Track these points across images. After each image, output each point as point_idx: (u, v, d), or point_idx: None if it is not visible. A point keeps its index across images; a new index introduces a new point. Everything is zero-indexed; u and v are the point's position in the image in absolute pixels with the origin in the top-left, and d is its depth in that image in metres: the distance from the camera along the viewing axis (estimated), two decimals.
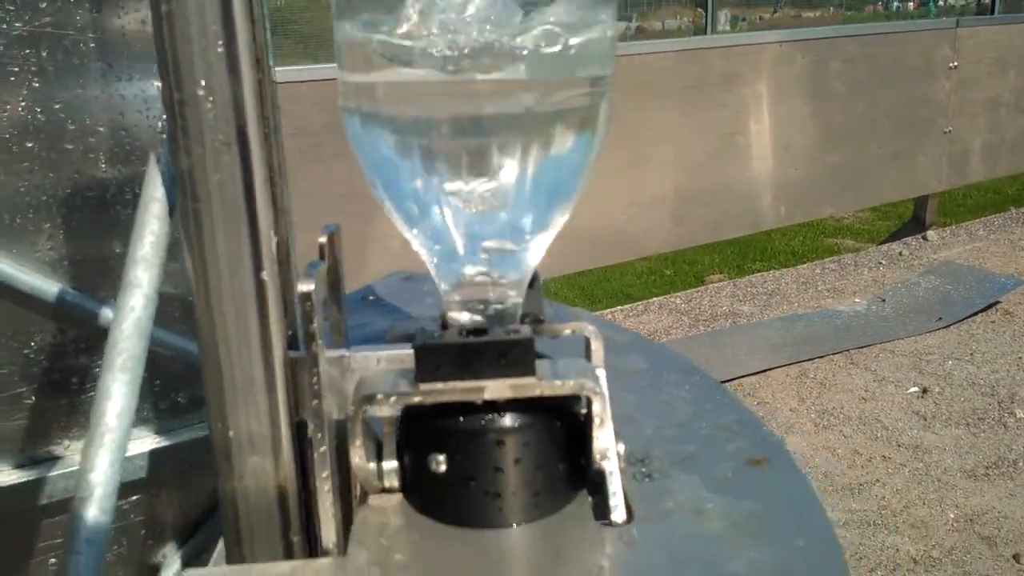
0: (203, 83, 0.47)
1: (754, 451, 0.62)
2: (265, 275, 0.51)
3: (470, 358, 0.51)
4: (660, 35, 12.73)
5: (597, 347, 0.60)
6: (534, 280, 0.62)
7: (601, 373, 0.60)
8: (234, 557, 0.56)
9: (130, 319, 0.51)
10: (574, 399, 0.55)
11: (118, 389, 0.50)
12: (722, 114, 4.15)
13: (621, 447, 0.58)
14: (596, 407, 0.53)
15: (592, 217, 3.83)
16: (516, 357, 0.52)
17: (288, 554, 0.56)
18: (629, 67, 3.89)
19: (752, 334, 4.08)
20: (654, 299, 4.58)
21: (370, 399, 0.52)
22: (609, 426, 0.55)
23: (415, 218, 0.55)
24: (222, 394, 0.53)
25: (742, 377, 3.74)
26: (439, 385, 0.52)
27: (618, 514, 0.56)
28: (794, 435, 3.35)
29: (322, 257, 0.57)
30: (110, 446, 0.51)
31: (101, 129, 0.77)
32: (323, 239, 0.57)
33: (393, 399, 0.52)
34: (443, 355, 0.51)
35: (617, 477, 0.57)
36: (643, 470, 0.61)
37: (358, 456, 0.53)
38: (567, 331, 0.61)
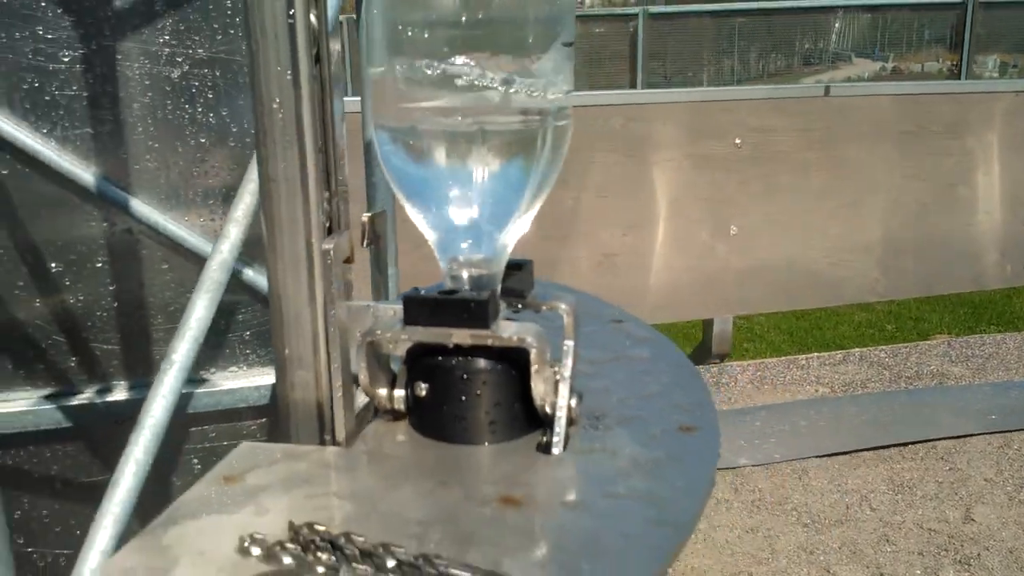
0: (276, 100, 0.70)
1: (690, 422, 0.75)
2: (313, 239, 0.73)
3: (441, 310, 0.70)
4: (918, 76, 12.08)
5: (568, 322, 0.77)
6: (525, 265, 0.79)
7: (569, 343, 0.76)
8: None
9: (218, 260, 0.75)
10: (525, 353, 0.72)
11: (201, 303, 0.74)
12: (944, 163, 3.98)
13: (575, 400, 0.74)
14: (533, 357, 0.70)
15: (793, 257, 3.83)
16: (476, 313, 0.70)
17: None
18: (847, 109, 3.86)
19: (957, 397, 3.87)
20: (855, 349, 4.44)
21: (370, 333, 0.72)
22: (549, 377, 0.72)
23: (427, 214, 0.74)
24: (282, 323, 0.75)
25: (937, 440, 3.57)
26: (419, 329, 0.71)
27: (556, 448, 0.72)
28: (984, 505, 3.16)
29: (362, 234, 0.78)
30: (188, 339, 0.74)
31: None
32: (365, 218, 0.78)
33: (388, 335, 0.72)
34: (423, 306, 0.70)
35: (562, 421, 0.73)
36: (595, 423, 0.76)
37: (364, 377, 0.74)
38: (544, 307, 0.78)
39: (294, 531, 0.59)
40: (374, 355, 0.74)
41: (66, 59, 0.88)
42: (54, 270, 0.94)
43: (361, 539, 0.57)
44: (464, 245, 0.74)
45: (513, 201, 0.72)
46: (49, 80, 0.88)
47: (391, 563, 0.56)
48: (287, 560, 0.57)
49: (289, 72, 0.69)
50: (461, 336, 0.70)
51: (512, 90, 0.69)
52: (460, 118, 0.69)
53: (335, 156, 0.74)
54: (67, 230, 0.95)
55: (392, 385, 0.76)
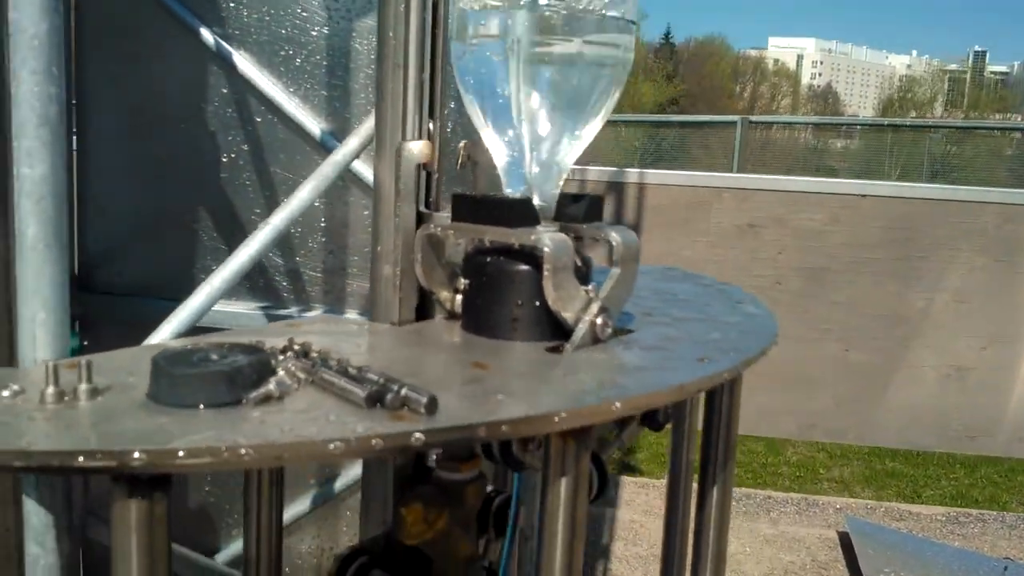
0: (391, 31, 0.86)
1: (712, 355, 0.75)
2: (401, 147, 0.86)
3: (480, 209, 0.79)
4: None
5: (618, 250, 0.81)
6: (586, 198, 0.85)
7: (615, 270, 0.81)
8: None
9: (331, 160, 0.91)
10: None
11: (308, 187, 0.91)
12: None
13: (600, 319, 0.78)
14: (546, 259, 0.76)
15: None
16: (509, 213, 0.78)
17: None
18: None
19: None
20: None
21: (428, 228, 0.83)
22: (570, 289, 0.77)
23: (491, 132, 0.85)
24: (378, 222, 0.89)
25: None
26: (462, 224, 0.81)
27: (564, 351, 0.76)
28: None
29: (458, 158, 0.90)
30: (288, 209, 0.92)
31: None
32: (462, 144, 0.90)
33: (438, 229, 0.83)
34: (467, 205, 0.80)
35: (580, 332, 0.77)
36: (624, 345, 0.79)
37: (419, 270, 0.85)
38: (593, 235, 0.83)
39: (296, 345, 0.71)
40: (433, 255, 0.85)
41: (314, 34, 1.15)
42: (282, 202, 1.19)
43: (341, 359, 0.67)
44: (523, 161, 0.83)
45: (568, 126, 0.80)
46: (300, 50, 1.15)
47: (352, 371, 0.65)
48: (277, 357, 0.69)
49: (403, 5, 0.85)
50: (494, 233, 0.79)
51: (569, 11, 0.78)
52: (523, 39, 0.79)
53: (439, 82, 0.88)
54: (297, 171, 1.20)
55: (453, 289, 0.87)
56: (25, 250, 0.65)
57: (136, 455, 0.51)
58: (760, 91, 39.36)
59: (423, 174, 0.86)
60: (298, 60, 1.16)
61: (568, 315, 0.77)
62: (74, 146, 1.16)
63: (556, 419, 0.62)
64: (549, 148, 0.82)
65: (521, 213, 0.78)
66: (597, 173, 4.28)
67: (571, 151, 0.82)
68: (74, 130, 1.17)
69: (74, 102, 1.17)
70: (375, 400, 0.59)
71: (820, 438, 4.43)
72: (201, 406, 0.58)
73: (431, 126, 0.88)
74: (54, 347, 0.73)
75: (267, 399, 0.59)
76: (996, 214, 3.22)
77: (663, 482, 4.04)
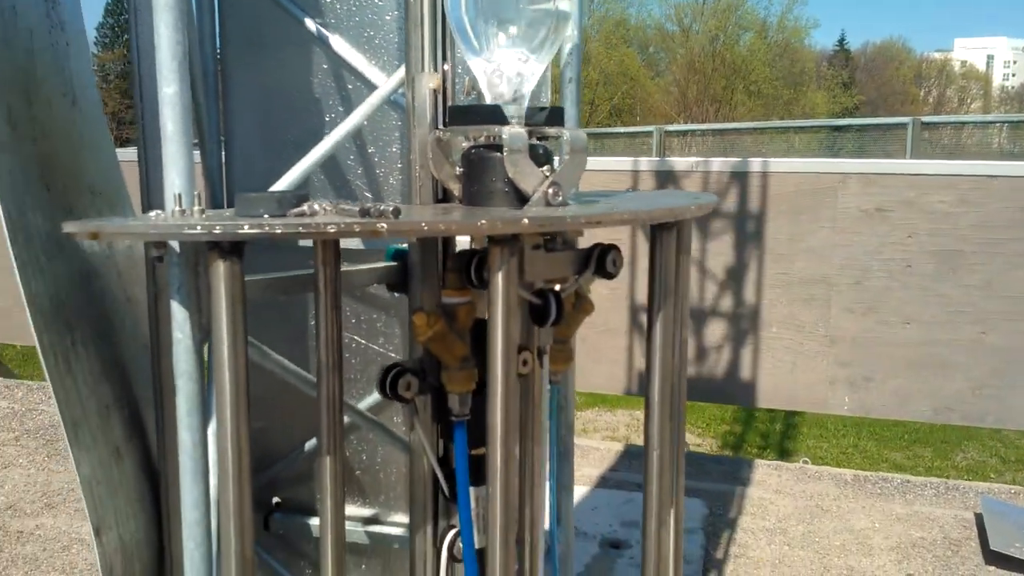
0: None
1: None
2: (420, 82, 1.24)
3: (464, 114, 1.16)
4: None
5: (566, 142, 1.15)
6: (548, 109, 1.19)
7: (566, 157, 1.15)
8: None
9: (369, 100, 1.31)
10: None
11: (351, 120, 1.30)
12: None
13: (551, 190, 1.13)
14: (504, 142, 1.10)
15: None
16: (487, 116, 1.14)
17: None
18: None
19: None
20: None
21: (435, 133, 1.20)
22: (527, 167, 1.11)
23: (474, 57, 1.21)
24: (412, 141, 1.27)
25: None
26: (455, 127, 1.18)
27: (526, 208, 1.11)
28: None
29: (464, 87, 1.27)
30: (328, 140, 1.31)
31: None
32: (467, 80, 1.27)
33: (441, 133, 1.20)
34: (457, 112, 1.17)
35: (538, 194, 1.12)
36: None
37: (430, 164, 1.22)
38: (552, 134, 1.17)
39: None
40: (442, 154, 1.22)
41: (387, 18, 1.56)
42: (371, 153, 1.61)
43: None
44: (497, 78, 1.18)
45: (523, 55, 1.16)
46: (377, 31, 1.57)
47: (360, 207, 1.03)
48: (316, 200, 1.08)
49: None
50: (474, 131, 1.15)
51: None
52: None
53: (446, 35, 1.26)
54: (375, 121, 1.61)
55: (458, 180, 1.23)
56: (166, 142, 1.08)
57: (217, 230, 0.91)
58: (947, 95, 37.18)
59: (437, 98, 1.24)
60: (377, 39, 1.57)
61: (525, 186, 1.12)
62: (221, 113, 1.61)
63: (480, 223, 0.97)
64: (513, 72, 1.17)
65: (492, 115, 1.14)
66: (720, 164, 4.51)
67: (529, 74, 1.18)
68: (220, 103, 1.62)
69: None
70: (364, 213, 0.97)
71: (957, 422, 4.43)
72: (264, 214, 0.97)
73: (446, 67, 1.26)
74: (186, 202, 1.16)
75: (302, 214, 0.99)
76: None
77: (796, 465, 4.20)
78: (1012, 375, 4.20)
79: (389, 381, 1.21)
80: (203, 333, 1.11)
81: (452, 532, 1.31)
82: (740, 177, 4.47)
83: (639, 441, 6.13)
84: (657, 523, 1.27)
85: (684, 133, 17.78)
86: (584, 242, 1.28)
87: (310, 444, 1.71)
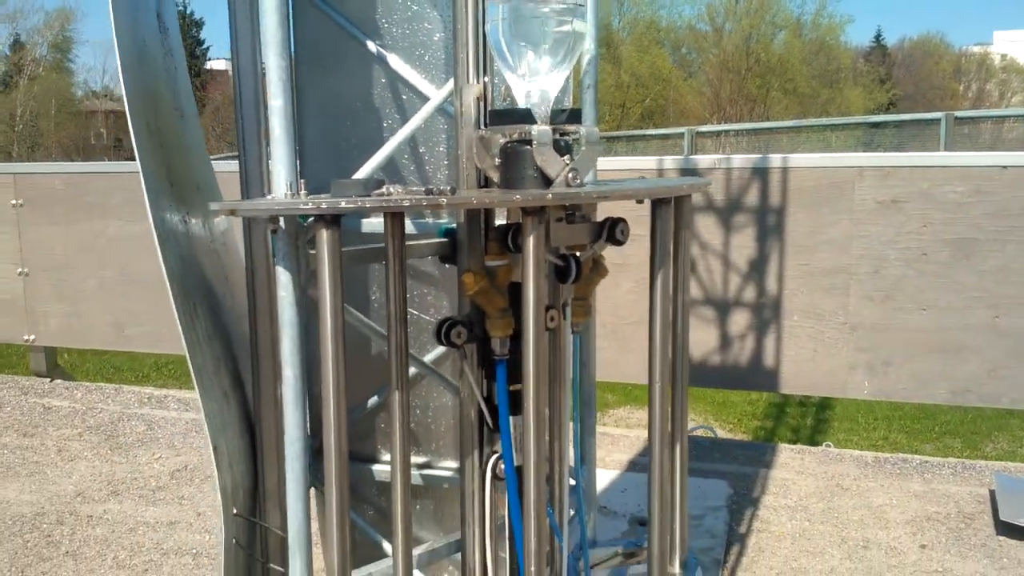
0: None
1: None
2: (467, 93, 1.59)
3: (501, 116, 1.51)
4: None
5: (582, 137, 1.49)
6: (573, 111, 1.53)
7: (582, 148, 1.49)
8: None
9: (431, 102, 1.65)
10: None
11: (423, 111, 1.65)
12: None
13: (571, 174, 1.47)
14: (533, 142, 1.45)
15: None
16: (519, 117, 1.48)
17: None
18: None
19: None
20: None
21: (478, 132, 1.55)
22: (552, 156, 1.45)
23: (510, 71, 1.55)
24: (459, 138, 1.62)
25: None
26: (494, 127, 1.52)
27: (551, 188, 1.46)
28: None
29: (502, 95, 1.61)
30: (422, 111, 1.67)
31: None
32: (503, 88, 1.62)
33: (483, 132, 1.54)
34: (495, 115, 1.52)
35: (560, 178, 1.46)
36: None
37: (476, 158, 1.56)
38: (571, 130, 1.51)
39: None
40: (484, 149, 1.57)
41: (436, 38, 1.90)
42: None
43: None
44: (527, 87, 1.53)
45: (546, 68, 1.50)
46: (426, 51, 1.93)
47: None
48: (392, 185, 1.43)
49: (464, 16, 1.58)
50: (509, 130, 1.50)
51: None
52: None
53: (486, 54, 1.60)
54: (427, 128, 1.96)
55: (495, 169, 1.58)
56: (275, 144, 1.44)
57: (324, 206, 1.26)
58: (987, 89, 37.00)
59: (479, 104, 1.58)
60: (427, 57, 1.92)
61: (550, 172, 1.47)
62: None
63: (515, 197, 1.32)
64: (539, 82, 1.52)
65: (524, 117, 1.48)
66: (741, 160, 4.83)
67: (552, 83, 1.52)
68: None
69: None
70: (429, 192, 1.32)
71: (974, 403, 4.69)
72: (356, 197, 1.33)
73: (486, 79, 1.61)
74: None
75: (381, 194, 1.34)
76: None
77: (819, 449, 4.51)
78: None
79: (444, 331, 1.56)
80: (300, 291, 1.47)
81: (495, 456, 1.65)
82: (760, 173, 4.78)
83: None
84: (660, 446, 1.61)
85: (717, 134, 18.04)
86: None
87: (372, 401, 2.06)
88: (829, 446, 5.18)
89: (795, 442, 6.53)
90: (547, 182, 1.45)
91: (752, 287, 4.85)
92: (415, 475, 2.06)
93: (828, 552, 3.79)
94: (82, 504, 4.30)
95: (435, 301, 2.03)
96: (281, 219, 1.41)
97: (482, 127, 1.55)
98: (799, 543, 3.88)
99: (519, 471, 1.54)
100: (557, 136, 1.49)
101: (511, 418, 1.56)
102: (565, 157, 1.47)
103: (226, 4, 1.80)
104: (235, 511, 1.63)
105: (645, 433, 5.42)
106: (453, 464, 2.06)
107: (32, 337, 6.42)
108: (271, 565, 1.69)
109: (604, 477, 4.56)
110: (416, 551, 1.70)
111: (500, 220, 1.62)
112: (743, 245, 4.85)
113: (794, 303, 4.80)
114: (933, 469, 4.65)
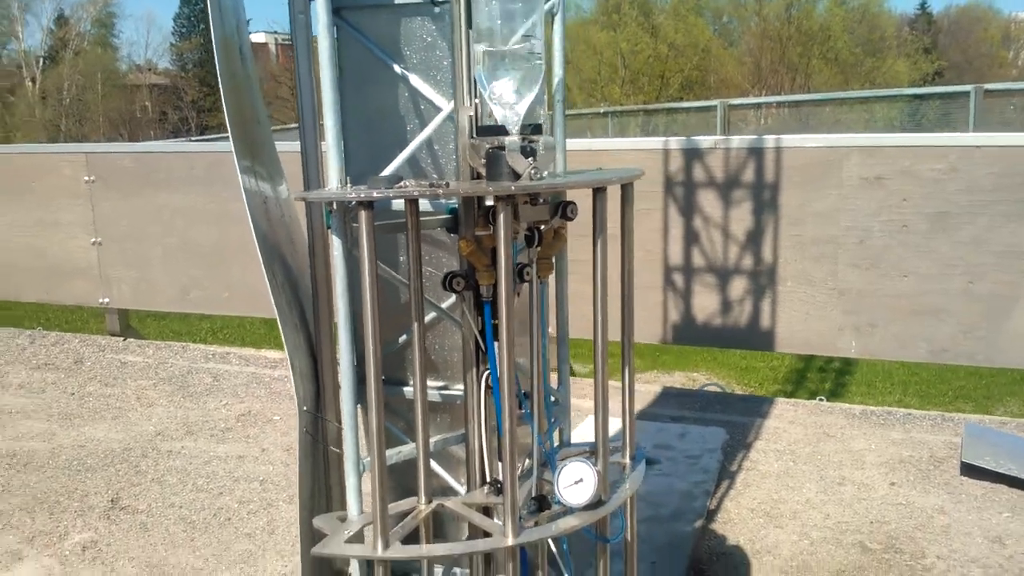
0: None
1: None
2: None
3: (484, 130, 2.20)
4: None
5: (540, 144, 2.18)
6: (539, 126, 2.21)
7: (540, 151, 2.18)
8: None
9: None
10: None
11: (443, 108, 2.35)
12: None
13: (533, 171, 2.16)
14: (506, 148, 2.13)
15: None
16: (496, 130, 2.17)
17: None
18: None
19: None
20: None
21: (470, 140, 2.24)
22: (519, 158, 2.14)
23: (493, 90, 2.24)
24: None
25: None
26: (480, 138, 2.21)
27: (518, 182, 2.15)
28: None
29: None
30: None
31: None
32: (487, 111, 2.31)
33: (473, 140, 2.23)
34: (481, 129, 2.21)
35: (524, 173, 2.15)
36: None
37: (469, 158, 2.25)
38: (533, 139, 2.19)
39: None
40: (475, 152, 2.25)
41: (445, 63, 2.61)
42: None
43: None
44: (501, 108, 2.21)
45: (515, 94, 2.18)
46: (439, 72, 2.62)
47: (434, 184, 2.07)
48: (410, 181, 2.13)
49: (462, 53, 2.26)
50: (489, 140, 2.18)
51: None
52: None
53: (471, 80, 2.29)
54: (441, 134, 2.66)
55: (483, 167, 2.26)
56: (330, 150, 2.14)
57: (363, 195, 1.97)
58: None
59: (471, 120, 2.27)
60: (439, 77, 2.60)
61: (518, 169, 2.15)
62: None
63: (488, 188, 2.01)
64: (511, 103, 2.20)
65: (499, 130, 2.17)
66: (739, 141, 5.45)
67: (520, 106, 2.20)
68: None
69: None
70: (431, 185, 2.02)
71: (951, 360, 5.30)
72: (384, 189, 2.03)
73: (477, 100, 2.29)
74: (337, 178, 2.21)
75: (401, 187, 2.04)
76: None
77: (812, 402, 5.21)
78: (997, 319, 5.07)
79: (448, 281, 2.27)
80: (348, 253, 2.17)
81: (486, 373, 2.35)
82: (757, 152, 5.40)
83: (674, 384, 7.14)
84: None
85: (755, 106, 18.42)
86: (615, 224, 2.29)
87: (402, 338, 2.78)
88: (822, 399, 5.81)
89: None
90: (516, 176, 2.13)
91: (749, 256, 5.48)
92: (435, 394, 2.77)
93: (806, 487, 4.46)
94: (162, 442, 5.12)
95: (447, 261, 2.73)
96: (335, 203, 2.11)
97: (473, 137, 2.23)
98: (782, 480, 4.55)
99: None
100: (524, 143, 2.16)
101: (495, 344, 2.26)
102: (530, 159, 2.15)
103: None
104: (305, 408, 2.36)
105: (653, 387, 6.13)
106: (462, 386, 2.78)
107: (107, 300, 7.28)
108: (331, 448, 2.42)
109: (614, 424, 5.26)
110: (432, 439, 2.42)
111: (489, 202, 2.31)
112: (741, 218, 5.48)
113: (787, 270, 5.43)
114: (915, 420, 5.28)
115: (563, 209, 2.23)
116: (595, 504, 2.20)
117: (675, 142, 5.56)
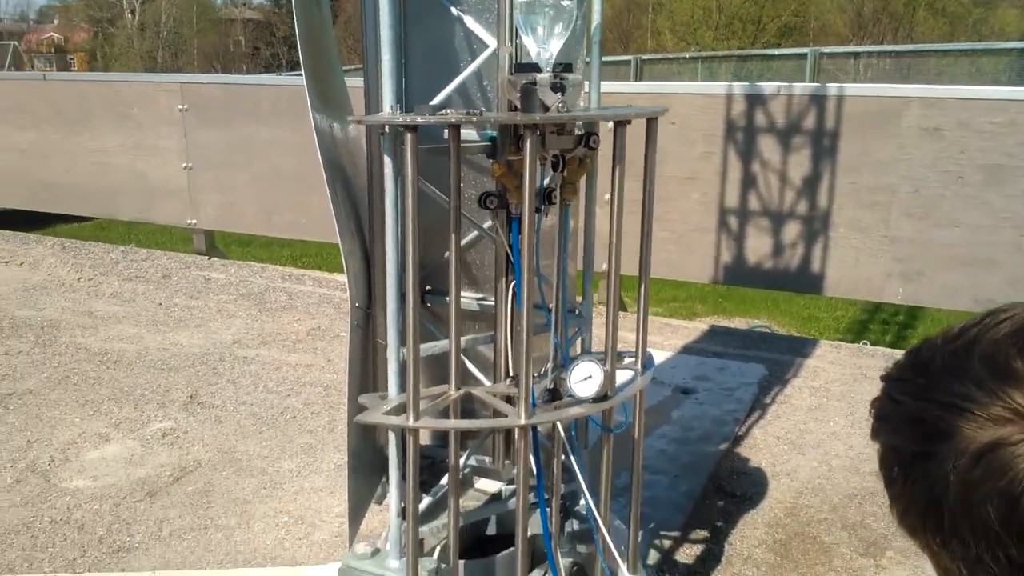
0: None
1: None
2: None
3: (519, 68, 2.54)
4: None
5: (568, 80, 2.51)
6: (570, 65, 2.54)
7: (570, 88, 2.52)
8: None
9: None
10: None
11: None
12: None
13: (559, 98, 2.50)
14: (537, 85, 2.47)
15: None
16: (529, 68, 2.51)
17: None
18: None
19: None
20: None
21: (503, 74, 2.59)
22: (547, 91, 2.48)
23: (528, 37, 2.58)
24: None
25: None
26: (515, 75, 2.56)
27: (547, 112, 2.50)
28: None
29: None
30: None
31: None
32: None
33: (508, 75, 2.58)
34: (516, 66, 2.55)
35: (553, 104, 2.49)
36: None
37: (506, 91, 2.60)
38: (564, 77, 2.53)
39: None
40: (511, 86, 2.60)
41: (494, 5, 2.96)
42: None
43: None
44: (536, 48, 2.54)
45: (554, 35, 2.51)
46: (491, 14, 2.97)
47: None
48: None
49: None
50: (524, 77, 2.53)
51: None
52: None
53: (512, 24, 2.63)
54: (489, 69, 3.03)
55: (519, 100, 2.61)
56: (385, 81, 2.53)
57: (409, 120, 2.34)
58: None
59: (510, 59, 2.61)
60: (490, 18, 2.95)
61: (548, 103, 2.49)
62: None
63: (517, 117, 2.36)
64: (544, 44, 2.53)
65: (533, 68, 2.51)
66: (801, 88, 5.64)
67: (553, 46, 2.53)
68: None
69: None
70: (469, 114, 2.38)
71: None
72: (428, 114, 2.40)
73: (517, 40, 2.63)
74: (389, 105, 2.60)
75: (443, 115, 2.40)
76: None
77: (855, 345, 5.50)
78: None
79: (483, 200, 2.64)
80: (397, 171, 2.56)
81: (513, 282, 2.72)
82: (819, 100, 5.59)
83: (723, 324, 7.41)
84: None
85: (852, 55, 18.11)
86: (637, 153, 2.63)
87: (447, 253, 3.16)
88: (866, 343, 6.04)
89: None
90: (546, 109, 2.48)
91: (804, 201, 5.71)
92: (473, 304, 3.15)
93: (834, 420, 4.75)
94: (239, 349, 5.66)
95: (490, 185, 3.10)
96: (386, 127, 2.49)
97: (511, 73, 2.57)
98: (812, 413, 4.84)
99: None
100: (555, 80, 2.49)
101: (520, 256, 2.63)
102: (558, 94, 2.48)
103: None
104: (356, 304, 2.78)
105: (703, 324, 6.45)
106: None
107: (194, 221, 7.88)
108: (378, 340, 2.85)
109: (659, 357, 5.59)
110: (463, 338, 2.82)
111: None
112: (799, 164, 5.70)
113: (841, 217, 5.64)
114: None
115: (587, 140, 2.57)
116: (601, 398, 2.57)
117: (738, 87, 5.78)
